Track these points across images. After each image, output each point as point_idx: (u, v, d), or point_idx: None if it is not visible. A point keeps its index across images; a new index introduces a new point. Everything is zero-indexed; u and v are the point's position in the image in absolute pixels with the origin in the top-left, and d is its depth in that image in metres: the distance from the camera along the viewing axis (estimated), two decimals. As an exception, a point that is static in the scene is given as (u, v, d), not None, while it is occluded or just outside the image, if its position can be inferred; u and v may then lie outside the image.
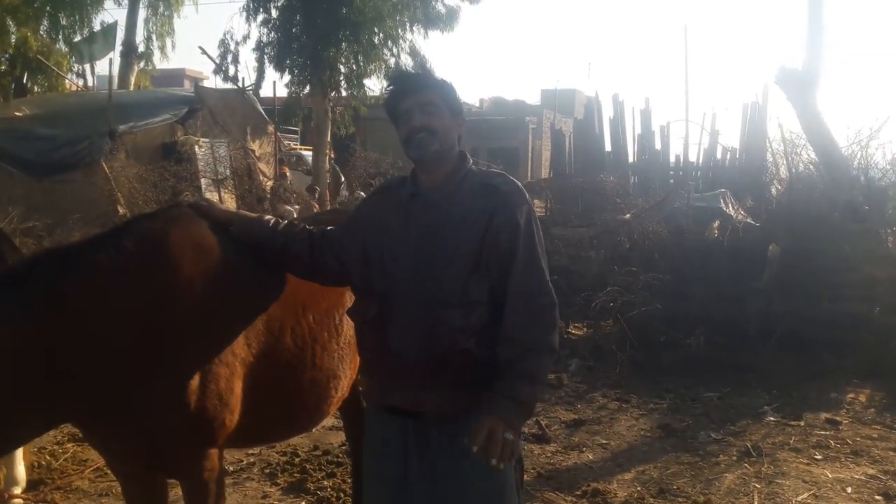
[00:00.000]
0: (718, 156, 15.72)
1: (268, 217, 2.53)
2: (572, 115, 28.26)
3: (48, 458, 4.47)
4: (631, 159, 16.27)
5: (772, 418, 5.51)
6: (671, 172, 15.72)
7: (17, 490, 3.78)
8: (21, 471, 3.83)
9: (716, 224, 8.85)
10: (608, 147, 16.51)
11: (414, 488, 2.19)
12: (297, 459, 4.65)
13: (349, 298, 2.67)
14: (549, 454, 4.86)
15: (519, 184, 2.26)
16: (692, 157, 15.85)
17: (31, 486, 4.02)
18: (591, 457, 4.85)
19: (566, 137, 18.79)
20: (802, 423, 5.40)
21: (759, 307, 7.03)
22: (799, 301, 6.96)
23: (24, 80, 16.50)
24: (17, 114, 13.29)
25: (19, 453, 3.82)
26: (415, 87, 2.23)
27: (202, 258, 2.33)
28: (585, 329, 7.82)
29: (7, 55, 15.30)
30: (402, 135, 2.20)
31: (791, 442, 5.05)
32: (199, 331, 2.24)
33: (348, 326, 2.70)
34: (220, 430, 2.29)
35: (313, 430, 4.91)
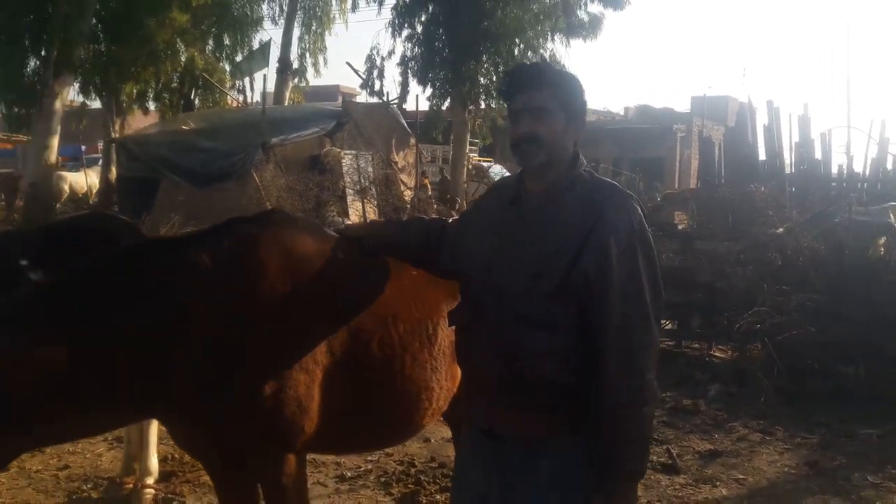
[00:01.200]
0: (889, 166, 14.27)
1: (396, 220, 2.56)
2: (724, 123, 26.82)
3: (180, 451, 4.72)
4: (787, 169, 15.11)
5: (944, 463, 4.84)
6: (833, 184, 14.43)
7: (150, 480, 4.00)
8: (154, 462, 4.06)
9: (882, 241, 7.98)
10: (762, 156, 15.43)
11: None
12: (412, 470, 4.63)
13: (446, 308, 2.60)
14: (677, 486, 4.53)
15: (630, 199, 2.01)
16: (857, 168, 14.48)
17: (163, 477, 4.26)
18: (724, 492, 4.46)
19: (716, 146, 17.80)
20: (983, 472, 4.70)
21: (933, 335, 6.23)
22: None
23: (192, 96, 17.96)
24: (183, 127, 14.48)
25: (153, 446, 4.06)
26: (527, 85, 2.03)
27: (288, 263, 2.34)
28: (729, 352, 7.30)
29: (177, 73, 16.71)
30: (510, 136, 2.06)
31: (968, 493, 4.41)
32: (279, 335, 2.24)
33: (444, 336, 2.62)
34: (299, 435, 2.30)
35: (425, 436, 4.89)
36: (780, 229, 8.96)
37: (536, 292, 1.95)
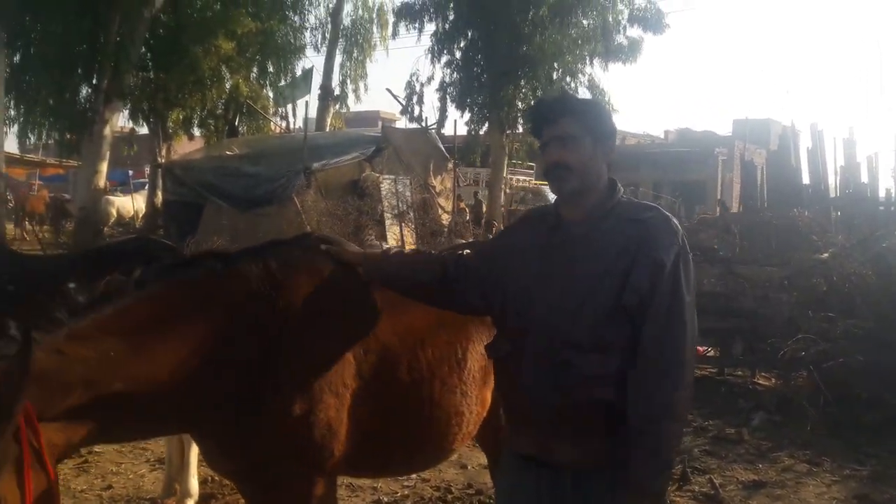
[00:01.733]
0: (941, 189, 13.92)
1: (395, 249, 2.54)
2: (766, 146, 26.43)
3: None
4: (832, 193, 14.82)
5: None
6: (880, 207, 14.11)
7: (190, 502, 4.06)
8: (194, 484, 4.11)
9: (933, 266, 7.74)
10: (806, 180, 15.18)
11: None
12: (449, 497, 4.60)
13: (474, 331, 2.60)
14: (720, 517, 4.42)
15: (672, 220, 2.05)
16: (906, 191, 14.13)
17: (203, 499, 4.30)
18: (769, 525, 4.35)
19: (758, 169, 17.55)
20: None
21: None
22: None
23: (236, 122, 18.38)
24: (227, 153, 14.82)
25: (194, 467, 4.11)
26: (552, 116, 2.08)
27: (321, 287, 2.38)
28: (773, 380, 7.13)
29: (222, 100, 17.14)
30: (542, 167, 2.12)
31: None
32: (311, 357, 2.27)
33: (473, 360, 2.63)
34: (328, 458, 2.31)
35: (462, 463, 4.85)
36: (826, 254, 8.78)
37: (586, 315, 1.95)
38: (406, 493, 4.64)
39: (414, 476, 4.78)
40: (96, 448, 4.93)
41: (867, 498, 4.69)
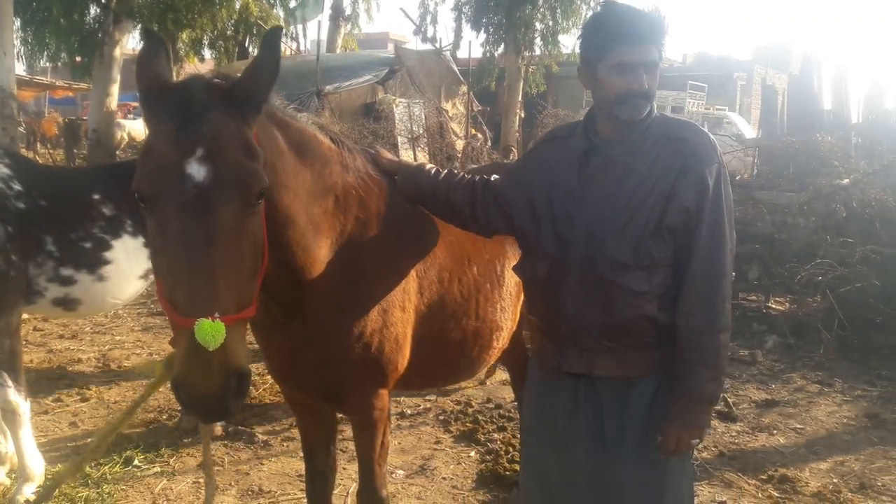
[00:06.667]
0: (967, 115, 13.63)
1: (429, 165, 2.49)
2: (787, 72, 25.76)
3: (250, 387, 4.92)
4: (854, 119, 14.55)
5: None
6: (904, 134, 13.86)
7: (29, 486, 3.61)
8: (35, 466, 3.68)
9: (955, 193, 7.65)
10: (827, 106, 14.88)
11: (580, 449, 2.12)
12: (470, 410, 4.74)
13: (510, 249, 2.62)
14: (734, 433, 4.54)
15: (711, 137, 2.06)
16: (932, 117, 13.85)
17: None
18: (781, 441, 4.47)
19: (779, 95, 17.19)
20: None
21: None
22: None
23: (246, 44, 18.03)
24: (238, 75, 14.57)
25: (30, 448, 3.64)
26: (645, 38, 1.95)
27: (388, 202, 2.36)
28: (787, 304, 7.19)
29: (232, 21, 16.76)
30: (614, 89, 1.95)
31: None
32: (384, 273, 2.29)
33: (510, 277, 2.66)
34: (393, 372, 2.36)
35: (481, 379, 4.99)
36: (846, 180, 8.67)
37: (631, 235, 1.97)
38: (428, 406, 4.79)
39: (435, 390, 4.92)
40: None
41: (877, 417, 4.79)
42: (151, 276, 3.64)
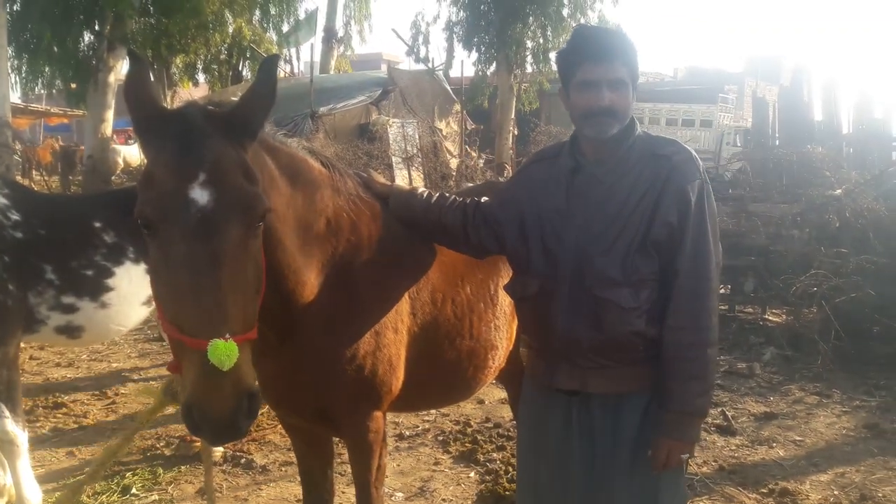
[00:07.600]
0: (957, 124, 13.74)
1: (421, 189, 2.51)
2: (777, 83, 25.97)
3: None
4: (845, 130, 14.65)
5: None
6: (894, 143, 13.96)
7: None
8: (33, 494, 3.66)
9: (947, 201, 7.69)
10: (818, 116, 14.99)
11: (574, 466, 2.14)
12: (469, 430, 4.73)
13: (503, 268, 2.64)
14: (733, 447, 4.54)
15: (693, 153, 2.08)
16: (921, 126, 13.96)
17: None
18: (781, 453, 4.46)
19: (770, 106, 17.31)
20: None
21: None
22: None
23: (240, 68, 18.14)
24: (233, 99, 14.59)
25: (27, 477, 3.59)
26: (607, 56, 1.98)
27: (380, 224, 2.38)
28: (783, 316, 7.20)
29: (226, 45, 16.87)
30: (578, 106, 2.01)
31: None
32: (376, 294, 2.29)
33: (503, 296, 2.67)
34: (387, 394, 2.36)
35: (475, 398, 4.97)
36: (839, 190, 8.72)
37: (618, 252, 2.00)
38: (427, 427, 4.78)
39: (433, 411, 4.91)
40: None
41: (877, 427, 4.79)
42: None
